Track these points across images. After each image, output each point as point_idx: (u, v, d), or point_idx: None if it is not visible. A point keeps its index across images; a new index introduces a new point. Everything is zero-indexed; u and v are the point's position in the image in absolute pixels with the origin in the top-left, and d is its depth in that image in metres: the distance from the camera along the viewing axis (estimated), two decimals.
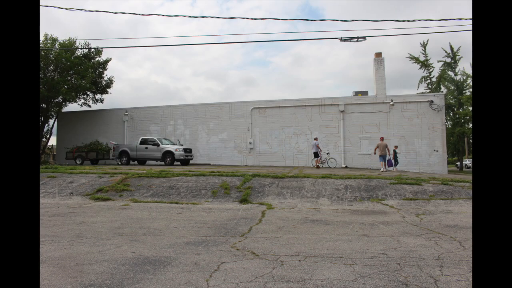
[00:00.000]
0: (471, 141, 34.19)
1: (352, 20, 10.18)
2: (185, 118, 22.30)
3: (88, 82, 21.00)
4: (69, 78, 21.13)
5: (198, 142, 21.90)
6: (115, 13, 10.41)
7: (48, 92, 20.13)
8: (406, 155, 19.04)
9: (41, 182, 11.13)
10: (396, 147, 16.96)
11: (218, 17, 10.05)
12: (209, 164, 21.04)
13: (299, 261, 4.06)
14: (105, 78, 24.04)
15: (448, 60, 31.19)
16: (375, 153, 16.09)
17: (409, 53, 38.66)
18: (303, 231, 5.79)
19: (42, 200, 9.52)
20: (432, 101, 19.09)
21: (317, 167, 17.28)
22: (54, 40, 21.21)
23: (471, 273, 3.59)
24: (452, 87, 31.28)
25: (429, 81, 31.45)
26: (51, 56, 20.52)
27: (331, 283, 3.31)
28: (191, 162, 21.62)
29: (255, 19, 9.78)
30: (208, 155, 21.67)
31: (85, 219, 6.98)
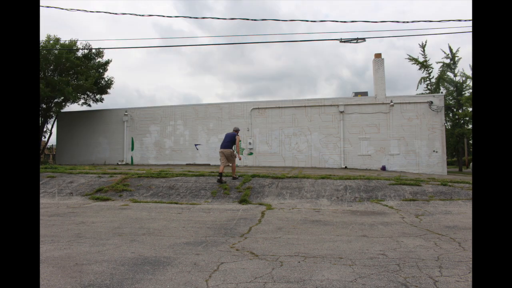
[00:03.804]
0: (470, 142, 34.21)
1: (352, 21, 10.20)
2: (185, 119, 22.30)
3: (91, 82, 21.00)
4: (69, 78, 21.12)
5: (198, 142, 21.90)
6: (116, 13, 10.41)
7: (52, 92, 20.10)
8: (405, 155, 19.05)
9: (40, 182, 11.12)
10: None
11: (219, 18, 10.06)
12: (208, 165, 21.03)
13: (299, 261, 4.06)
14: (106, 79, 24.07)
15: (447, 61, 31.23)
16: None
17: (408, 54, 38.67)
18: (302, 232, 5.79)
19: (41, 200, 9.52)
20: (431, 102, 19.11)
21: None
22: (57, 40, 21.19)
23: (470, 274, 3.60)
24: (452, 88, 31.31)
25: (428, 82, 31.48)
26: (52, 57, 20.49)
27: (331, 284, 3.31)
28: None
29: (255, 20, 9.79)
30: (207, 155, 21.67)
31: (85, 219, 6.97)
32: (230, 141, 10.81)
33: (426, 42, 31.00)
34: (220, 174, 10.54)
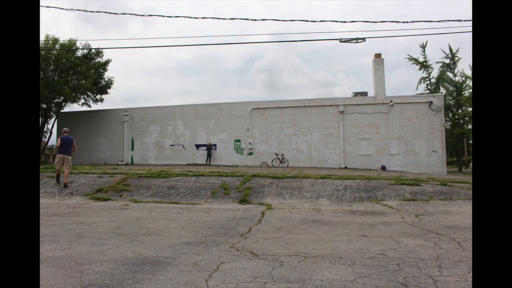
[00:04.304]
0: (470, 142, 34.21)
1: (352, 22, 10.21)
2: (185, 119, 22.31)
3: (90, 82, 21.00)
4: (69, 78, 21.12)
5: (198, 142, 21.92)
6: (116, 13, 10.42)
7: (50, 93, 20.10)
8: (405, 155, 19.07)
9: (40, 182, 11.12)
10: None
11: (219, 18, 10.07)
12: (208, 165, 21.03)
13: (299, 261, 4.07)
14: (105, 79, 24.08)
15: (447, 61, 31.23)
16: None
17: (408, 54, 38.66)
18: (302, 232, 5.79)
19: (41, 200, 9.52)
20: (431, 102, 19.12)
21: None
22: (55, 40, 21.19)
23: (470, 274, 3.60)
24: (451, 88, 31.31)
25: (428, 82, 31.48)
26: (52, 56, 20.49)
27: (331, 284, 3.31)
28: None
29: (255, 20, 9.80)
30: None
31: (85, 219, 6.98)
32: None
33: (426, 42, 31.03)
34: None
